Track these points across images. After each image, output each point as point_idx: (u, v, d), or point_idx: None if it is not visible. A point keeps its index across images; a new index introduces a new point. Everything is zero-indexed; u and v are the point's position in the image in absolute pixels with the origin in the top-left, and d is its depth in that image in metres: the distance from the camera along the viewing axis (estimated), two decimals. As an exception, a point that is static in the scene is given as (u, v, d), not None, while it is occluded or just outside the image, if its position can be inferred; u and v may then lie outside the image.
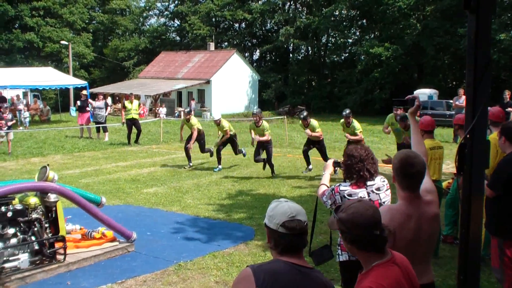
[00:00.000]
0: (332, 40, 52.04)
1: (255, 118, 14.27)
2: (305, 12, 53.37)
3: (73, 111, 32.98)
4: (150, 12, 65.88)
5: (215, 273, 6.86)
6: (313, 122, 13.94)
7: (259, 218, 9.40)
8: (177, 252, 7.77)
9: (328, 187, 4.70)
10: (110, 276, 6.81)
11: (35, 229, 6.79)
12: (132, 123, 20.62)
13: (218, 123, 14.99)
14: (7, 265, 6.40)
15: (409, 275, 2.81)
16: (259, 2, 55.11)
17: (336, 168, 5.00)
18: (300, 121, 14.13)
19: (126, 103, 20.64)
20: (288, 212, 2.72)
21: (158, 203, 10.98)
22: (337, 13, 46.79)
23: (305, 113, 13.99)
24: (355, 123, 13.45)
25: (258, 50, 59.89)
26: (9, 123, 18.33)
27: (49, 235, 6.99)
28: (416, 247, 3.37)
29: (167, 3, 62.57)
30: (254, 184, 13.00)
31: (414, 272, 2.87)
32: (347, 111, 13.73)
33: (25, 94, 36.61)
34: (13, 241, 6.56)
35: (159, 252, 7.79)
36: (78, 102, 23.70)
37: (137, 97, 24.09)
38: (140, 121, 21.43)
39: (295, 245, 2.73)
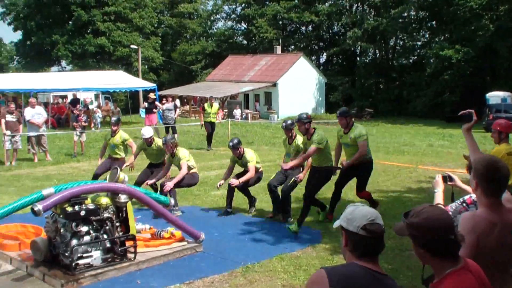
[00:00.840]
0: (401, 42, 51.29)
1: (167, 149, 10.22)
2: (372, 14, 52.69)
3: (142, 113, 33.90)
4: (217, 16, 66.87)
5: (282, 276, 6.82)
6: (248, 154, 10.17)
7: (327, 221, 9.32)
8: (245, 253, 7.77)
9: (444, 206, 4.25)
10: (178, 276, 6.87)
11: (107, 227, 6.95)
12: (210, 126, 20.52)
13: (150, 143, 10.81)
14: (81, 261, 6.58)
15: (483, 284, 2.71)
16: (326, 4, 54.75)
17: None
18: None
19: (206, 105, 20.41)
20: (368, 216, 2.69)
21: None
22: (405, 15, 46.06)
23: (235, 141, 10.10)
24: (312, 136, 8.95)
25: (325, 53, 59.65)
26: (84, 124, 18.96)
27: (120, 234, 7.15)
28: (498, 256, 3.22)
29: (234, 6, 63.18)
30: (322, 188, 12.80)
31: (488, 280, 2.76)
32: (289, 121, 9.77)
33: (96, 96, 37.84)
34: (86, 238, 6.75)
35: (227, 253, 7.81)
36: (146, 104, 24.10)
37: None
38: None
39: (375, 248, 2.70)
